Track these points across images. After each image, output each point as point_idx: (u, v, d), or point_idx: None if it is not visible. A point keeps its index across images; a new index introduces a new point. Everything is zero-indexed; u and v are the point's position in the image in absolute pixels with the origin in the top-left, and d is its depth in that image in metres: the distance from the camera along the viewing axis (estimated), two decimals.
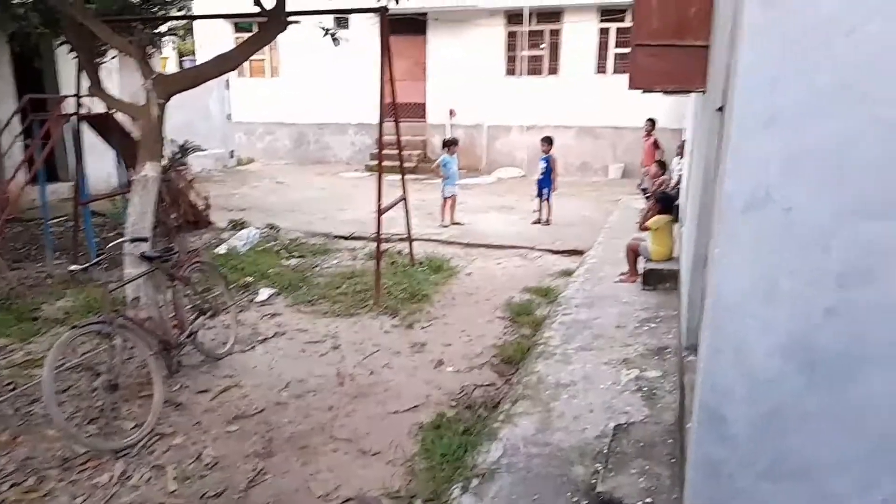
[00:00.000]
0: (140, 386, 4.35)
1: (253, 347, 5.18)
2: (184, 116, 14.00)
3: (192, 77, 5.19)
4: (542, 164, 10.20)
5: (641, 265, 6.57)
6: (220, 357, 4.89)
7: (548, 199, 10.17)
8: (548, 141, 10.38)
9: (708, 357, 1.91)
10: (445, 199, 10.08)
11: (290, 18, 5.45)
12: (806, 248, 1.75)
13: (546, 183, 10.09)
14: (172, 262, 4.67)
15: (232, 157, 16.64)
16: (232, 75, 16.34)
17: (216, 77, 5.30)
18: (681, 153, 9.92)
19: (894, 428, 1.76)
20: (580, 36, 15.22)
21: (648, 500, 2.63)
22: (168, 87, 4.82)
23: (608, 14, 14.85)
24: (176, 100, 5.00)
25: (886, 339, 1.73)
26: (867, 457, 1.79)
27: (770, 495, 1.90)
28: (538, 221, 10.24)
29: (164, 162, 7.21)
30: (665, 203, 6.86)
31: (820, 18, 1.64)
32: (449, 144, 10.36)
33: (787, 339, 1.81)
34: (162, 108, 4.77)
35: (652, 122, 11.66)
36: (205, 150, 12.35)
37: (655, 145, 11.44)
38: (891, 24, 1.59)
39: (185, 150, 9.34)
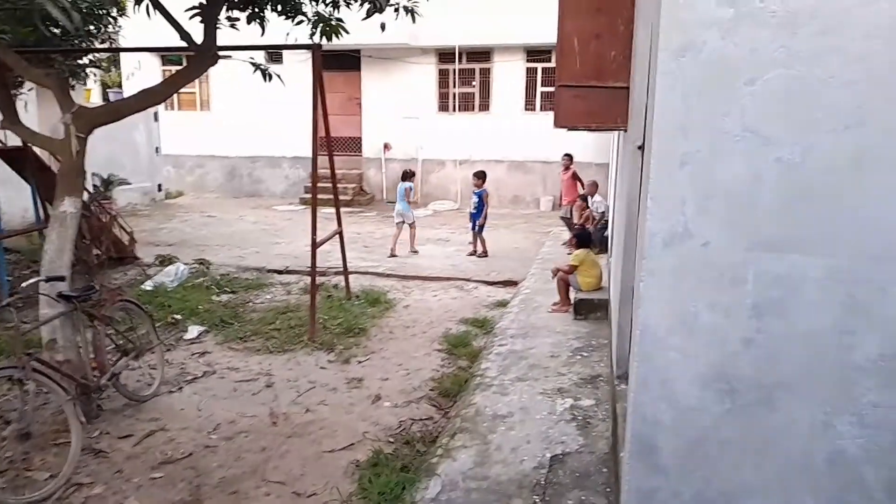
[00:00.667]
0: (55, 433, 4.09)
1: (180, 388, 4.97)
2: (109, 149, 13.49)
3: (115, 111, 5.03)
4: (475, 199, 10.46)
5: (573, 295, 6.75)
6: (145, 399, 4.66)
7: (479, 232, 10.39)
8: (480, 176, 10.66)
9: (637, 389, 1.97)
10: (411, 225, 10.48)
11: (221, 53, 5.39)
12: (722, 282, 1.86)
13: (478, 216, 10.34)
14: (93, 300, 4.45)
15: (160, 190, 16.08)
16: (161, 108, 15.91)
17: (141, 111, 5.15)
18: (593, 192, 10.47)
19: (810, 452, 1.86)
20: (509, 75, 15.73)
21: None
22: (89, 120, 4.65)
23: (534, 54, 15.41)
24: (101, 132, 4.83)
25: (798, 366, 1.84)
26: (785, 481, 1.89)
27: None
28: (473, 253, 10.40)
29: (86, 196, 6.92)
30: (581, 239, 7.21)
31: (726, 68, 1.77)
32: (410, 175, 11.00)
33: (707, 368, 1.90)
34: (83, 142, 4.60)
35: (569, 156, 11.75)
36: (130, 183, 11.92)
37: (575, 178, 11.62)
38: (788, 72, 1.73)
39: (109, 183, 9.00)
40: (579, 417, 4.17)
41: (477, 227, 10.35)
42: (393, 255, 10.02)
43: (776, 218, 1.79)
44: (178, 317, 6.54)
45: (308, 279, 6.55)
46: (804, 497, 1.88)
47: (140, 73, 15.49)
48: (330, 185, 7.25)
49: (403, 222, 10.38)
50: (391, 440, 4.16)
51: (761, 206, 1.79)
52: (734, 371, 1.88)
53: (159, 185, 16.03)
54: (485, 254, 10.24)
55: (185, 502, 3.47)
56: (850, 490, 1.85)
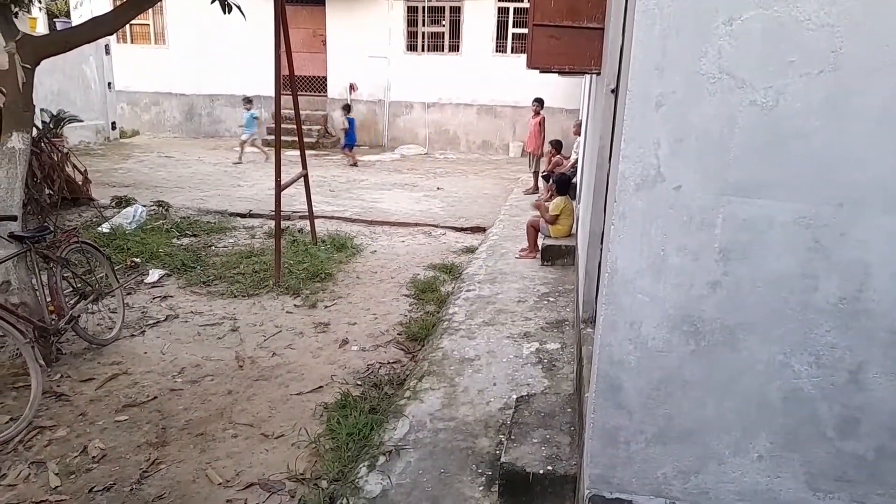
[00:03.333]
0: (14, 377, 4.01)
1: (143, 332, 4.89)
2: (57, 84, 12.85)
3: (63, 41, 4.72)
4: (347, 123, 13.78)
5: (541, 241, 6.79)
6: (106, 343, 4.58)
7: (349, 150, 13.82)
8: (347, 108, 14.13)
9: (605, 330, 2.00)
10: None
11: None
12: (692, 225, 1.86)
13: (351, 139, 13.82)
14: (47, 242, 4.29)
15: (114, 129, 15.44)
16: (112, 41, 15.11)
17: (89, 42, 4.85)
18: (577, 132, 10.24)
19: (768, 390, 1.93)
20: (480, 14, 15.33)
21: (549, 467, 2.74)
22: (35, 50, 4.37)
23: None
24: (48, 65, 4.55)
25: (761, 308, 1.88)
26: (744, 418, 1.96)
27: (660, 458, 2.04)
28: (354, 164, 13.55)
29: (35, 133, 6.59)
30: (561, 185, 7.12)
31: (704, 7, 1.73)
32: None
33: (674, 311, 1.92)
34: (30, 73, 4.33)
35: (540, 101, 11.42)
36: (82, 120, 11.38)
37: (542, 125, 11.35)
38: (766, 13, 1.70)
39: (59, 120, 8.56)
40: (545, 360, 4.26)
41: (348, 146, 13.83)
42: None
43: (747, 162, 1.79)
44: (138, 260, 6.39)
45: (272, 223, 6.44)
46: (760, 433, 1.96)
47: (88, 2, 14.62)
48: (294, 126, 7.04)
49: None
50: (359, 383, 4.20)
51: (733, 149, 1.79)
52: (700, 313, 1.91)
53: (113, 124, 15.39)
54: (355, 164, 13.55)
55: (151, 444, 3.46)
56: (803, 426, 1.93)
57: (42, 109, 9.01)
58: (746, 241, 1.84)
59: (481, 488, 2.92)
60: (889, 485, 1.93)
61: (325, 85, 16.54)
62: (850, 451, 1.93)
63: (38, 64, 4.40)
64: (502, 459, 2.82)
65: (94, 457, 3.32)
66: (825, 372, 1.88)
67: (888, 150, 1.71)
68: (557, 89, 13.74)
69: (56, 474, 3.17)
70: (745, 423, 1.96)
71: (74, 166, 8.04)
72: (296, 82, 6.75)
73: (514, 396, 3.58)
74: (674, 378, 1.97)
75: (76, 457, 3.33)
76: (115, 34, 9.98)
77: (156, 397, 3.95)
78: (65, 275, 4.43)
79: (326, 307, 5.55)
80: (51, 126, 8.07)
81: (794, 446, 1.95)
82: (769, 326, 1.89)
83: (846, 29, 1.67)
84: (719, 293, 1.89)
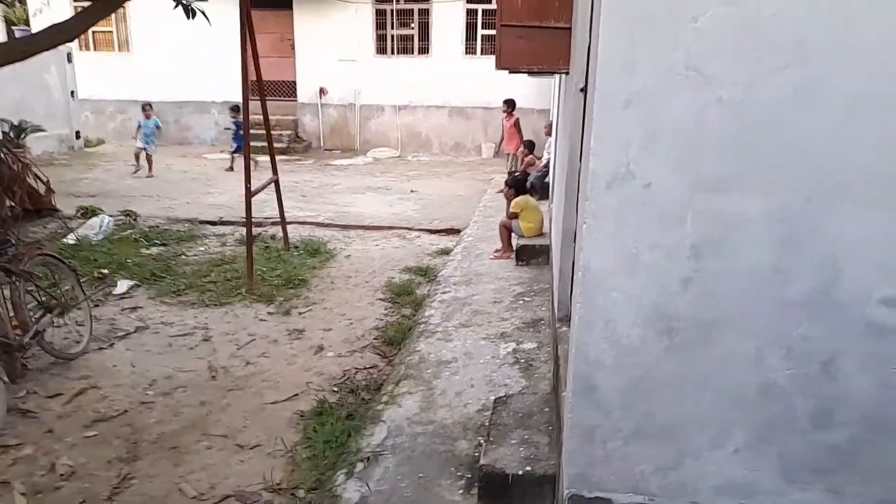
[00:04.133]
0: None
1: (112, 345, 4.77)
2: (18, 93, 12.50)
3: (22, 48, 4.61)
4: (234, 127, 12.76)
5: (515, 241, 6.81)
6: (73, 357, 4.45)
7: (238, 153, 12.37)
8: (235, 109, 12.44)
9: (580, 329, 1.99)
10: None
11: None
12: (663, 222, 1.87)
13: (238, 141, 12.26)
14: (9, 255, 4.17)
15: (78, 137, 15.08)
16: (74, 48, 14.78)
17: (50, 48, 4.73)
18: (549, 133, 10.29)
19: (743, 384, 1.94)
20: (449, 16, 15.34)
21: (528, 468, 2.73)
22: None
23: None
24: (7, 74, 4.44)
25: (734, 303, 1.89)
26: (720, 412, 1.97)
27: (638, 455, 2.04)
28: (231, 168, 12.76)
29: None
30: (517, 186, 7.21)
31: (669, 4, 1.73)
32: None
33: (648, 308, 1.92)
34: None
35: (510, 102, 11.34)
36: (45, 130, 11.11)
37: (517, 126, 11.34)
38: (732, 9, 1.70)
39: (20, 130, 8.35)
40: (522, 360, 4.26)
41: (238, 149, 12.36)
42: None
43: (717, 158, 1.80)
44: (106, 271, 6.23)
45: (244, 230, 6.33)
46: (737, 428, 1.97)
47: (49, 10, 14.29)
48: (263, 131, 6.95)
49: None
50: (335, 390, 4.14)
51: (703, 146, 1.79)
52: (674, 310, 1.91)
53: (77, 133, 15.03)
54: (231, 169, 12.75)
55: (122, 459, 3.36)
56: (779, 419, 1.94)
57: (2, 119, 8.79)
58: (718, 236, 1.85)
59: (461, 491, 2.90)
60: (863, 473, 1.95)
61: (295, 89, 16.38)
62: (824, 441, 1.94)
63: None
64: (481, 462, 2.80)
65: (62, 474, 3.22)
66: (798, 364, 1.90)
67: (856, 141, 1.73)
68: (529, 90, 13.79)
69: (22, 494, 3.06)
70: (722, 417, 1.97)
71: (37, 176, 7.82)
72: (264, 87, 6.67)
73: (492, 398, 3.56)
74: (649, 375, 1.97)
75: (44, 475, 3.23)
76: (76, 41, 9.77)
77: (126, 411, 3.85)
78: (28, 288, 4.30)
79: (301, 314, 5.48)
80: (11, 136, 7.85)
81: (771, 439, 1.97)
82: (743, 321, 1.90)
83: (813, 20, 1.68)
84: (692, 289, 1.90)
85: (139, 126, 12.48)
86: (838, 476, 1.97)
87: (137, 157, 12.41)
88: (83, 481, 3.18)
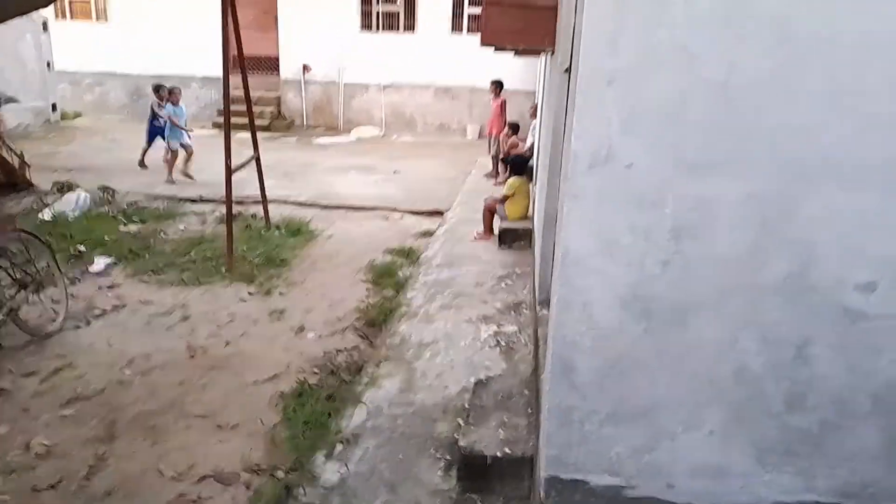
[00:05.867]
0: None
1: (88, 323, 4.71)
2: None
3: None
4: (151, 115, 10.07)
5: (497, 224, 6.79)
6: (49, 335, 4.39)
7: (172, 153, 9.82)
8: (167, 91, 9.93)
9: (558, 311, 1.99)
10: (173, 151, 9.69)
11: None
12: (643, 204, 1.86)
13: (156, 132, 9.98)
14: None
15: (55, 110, 14.73)
16: (50, 17, 14.38)
17: (23, 13, 4.59)
18: (534, 115, 10.23)
19: (717, 367, 1.96)
20: None
21: (507, 449, 2.75)
22: None
23: None
24: None
25: (710, 286, 1.90)
26: (694, 395, 1.99)
27: (613, 437, 2.06)
28: (142, 164, 10.23)
29: None
30: (516, 166, 7.11)
31: None
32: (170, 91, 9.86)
33: (626, 290, 1.93)
34: None
35: (498, 83, 11.14)
36: (19, 101, 10.83)
37: (503, 108, 11.22)
38: None
39: None
40: (502, 343, 4.27)
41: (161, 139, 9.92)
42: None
43: (698, 139, 1.79)
44: (83, 248, 6.13)
45: (223, 208, 6.25)
46: (711, 410, 1.99)
47: None
48: (245, 108, 6.83)
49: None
50: (316, 371, 4.13)
51: (685, 126, 1.78)
52: (651, 292, 1.92)
53: (54, 105, 14.68)
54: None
55: (99, 438, 3.34)
56: (752, 402, 1.97)
57: None
58: (697, 219, 1.85)
59: (440, 473, 2.91)
60: (832, 457, 1.99)
61: (278, 65, 16.11)
62: (796, 425, 1.97)
63: None
64: (460, 443, 2.82)
65: (37, 454, 3.19)
66: (772, 348, 1.92)
67: (836, 125, 1.73)
68: (515, 71, 13.70)
69: None
70: (696, 400, 1.99)
71: (10, 149, 7.64)
72: (246, 62, 6.55)
73: (473, 380, 3.57)
74: (626, 357, 1.98)
75: (18, 454, 3.19)
76: (52, 8, 9.46)
77: (103, 390, 3.81)
78: (2, 265, 4.22)
79: (282, 294, 5.44)
80: None
81: (744, 422, 1.99)
82: (718, 304, 1.91)
83: (797, 3, 1.67)
84: (670, 272, 1.90)
85: (154, 118, 9.90)
86: (808, 460, 2.00)
87: (171, 162, 9.62)
88: (59, 461, 3.15)
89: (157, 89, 10.12)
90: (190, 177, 9.57)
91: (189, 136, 9.85)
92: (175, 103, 9.77)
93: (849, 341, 1.87)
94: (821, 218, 1.80)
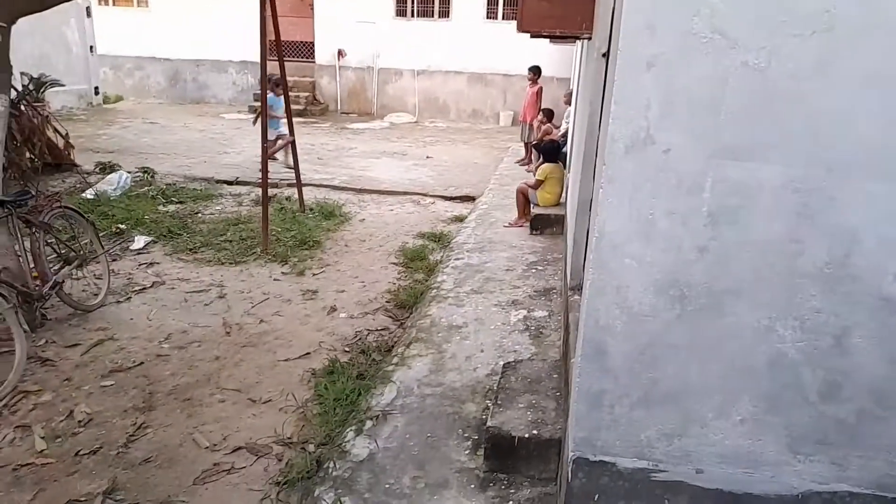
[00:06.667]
0: None
1: (129, 298, 4.85)
2: (37, 48, 12.52)
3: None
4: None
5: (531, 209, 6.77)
6: (91, 309, 4.54)
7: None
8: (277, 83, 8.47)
9: (592, 295, 1.99)
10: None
11: None
12: (681, 189, 1.85)
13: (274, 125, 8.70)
14: (29, 207, 4.22)
15: (97, 94, 15.11)
16: (93, 2, 14.71)
17: (66, 0, 4.70)
18: (568, 102, 10.12)
19: (752, 355, 1.94)
20: None
21: (535, 431, 2.76)
22: (11, 7, 4.23)
23: None
24: (27, 26, 4.42)
25: (747, 273, 1.88)
26: (727, 382, 1.97)
27: (643, 421, 2.05)
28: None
29: (14, 95, 6.44)
30: (548, 153, 7.06)
31: None
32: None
33: (662, 275, 1.92)
34: (6, 32, 4.20)
35: (537, 70, 10.94)
36: (64, 84, 11.11)
37: (538, 95, 11.07)
38: None
39: (40, 83, 8.36)
40: (532, 328, 4.28)
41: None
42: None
43: (738, 124, 1.77)
44: (123, 227, 6.31)
45: (259, 190, 6.36)
46: (743, 397, 1.98)
47: None
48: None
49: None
50: (347, 350, 4.20)
51: (724, 112, 1.76)
52: (687, 278, 1.91)
53: (96, 89, 15.06)
54: None
55: (138, 408, 3.45)
56: (787, 391, 1.94)
57: (22, 73, 8.80)
58: (735, 205, 1.83)
59: (467, 452, 2.95)
60: (867, 447, 1.96)
61: (313, 51, 16.23)
62: (831, 414, 1.95)
63: (14, 23, 4.27)
64: (488, 424, 2.84)
65: (80, 421, 3.32)
66: (810, 336, 1.89)
67: (878, 113, 1.69)
68: (550, 58, 13.56)
69: (42, 438, 3.16)
70: (729, 387, 1.98)
71: (56, 130, 7.87)
72: (282, 48, 6.62)
73: (501, 363, 3.59)
74: (659, 342, 1.98)
75: (62, 421, 3.32)
76: None
77: (142, 363, 3.93)
78: (48, 240, 4.37)
79: (314, 275, 5.52)
80: (31, 89, 7.87)
81: (777, 410, 1.97)
82: (755, 291, 1.89)
83: None
84: (707, 258, 1.88)
85: (259, 111, 8.86)
86: (843, 449, 1.97)
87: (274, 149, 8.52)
88: (100, 428, 3.28)
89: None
90: (291, 168, 8.23)
91: (284, 127, 8.47)
92: (278, 95, 8.77)
93: (889, 332, 1.84)
94: (861, 205, 1.76)
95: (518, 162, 10.68)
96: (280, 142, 8.59)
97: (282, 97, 8.48)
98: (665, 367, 2.00)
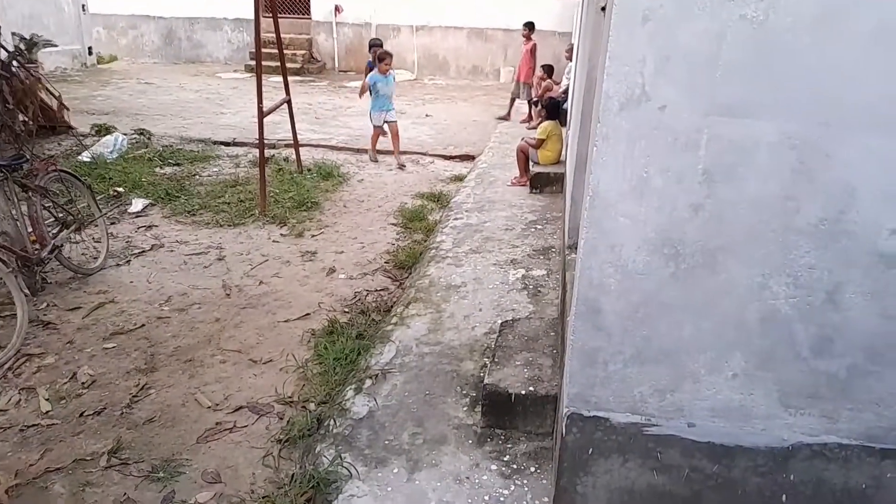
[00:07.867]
0: (0, 306, 4.00)
1: (128, 261, 4.87)
2: (28, 7, 12.29)
3: None
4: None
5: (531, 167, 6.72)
6: (91, 272, 4.57)
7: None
8: (377, 52, 8.17)
9: (586, 253, 1.99)
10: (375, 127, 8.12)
11: None
12: (676, 147, 1.82)
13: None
14: (24, 170, 4.20)
15: (91, 54, 14.87)
16: None
17: None
18: (570, 57, 9.94)
19: (745, 311, 1.94)
20: None
21: (531, 388, 2.80)
22: None
23: None
24: None
25: (742, 230, 1.86)
26: (720, 338, 1.98)
27: (637, 377, 2.07)
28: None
29: (4, 55, 6.35)
30: (551, 109, 6.96)
31: None
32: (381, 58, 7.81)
33: (656, 234, 1.91)
34: None
35: (530, 25, 10.75)
36: (57, 45, 10.93)
37: (533, 53, 10.87)
38: None
39: (32, 44, 8.22)
40: (530, 287, 4.29)
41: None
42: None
43: (735, 80, 1.73)
44: (121, 189, 6.29)
45: (256, 151, 6.31)
46: (736, 352, 1.99)
47: None
48: (276, 51, 6.79)
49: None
50: (346, 310, 4.23)
51: (721, 67, 1.72)
52: (681, 236, 1.90)
53: (90, 49, 14.81)
54: None
55: (140, 370, 3.50)
56: (779, 346, 1.95)
57: (13, 33, 8.64)
58: (731, 162, 1.81)
59: (465, 409, 3.00)
60: (858, 401, 1.98)
61: (309, 6, 15.87)
62: (823, 369, 1.96)
63: None
64: (486, 381, 2.88)
65: (83, 383, 3.37)
66: (803, 293, 1.89)
67: (880, 68, 1.65)
68: (550, 10, 13.26)
69: (47, 399, 3.22)
70: (722, 343, 1.99)
71: (49, 91, 7.77)
72: (277, 3, 6.46)
73: (499, 321, 3.62)
74: (652, 300, 1.98)
75: (66, 383, 3.37)
76: None
77: (143, 325, 3.97)
78: (45, 204, 4.36)
79: (313, 236, 5.52)
80: (22, 49, 7.74)
81: (769, 365, 1.99)
82: (749, 249, 1.88)
83: None
84: (701, 216, 1.87)
85: (367, 88, 8.02)
86: (833, 403, 1.99)
87: (375, 141, 8.17)
88: (103, 389, 3.33)
89: (370, 46, 8.29)
90: (402, 166, 7.83)
91: (394, 111, 7.98)
92: (383, 72, 7.75)
93: (883, 287, 1.84)
94: (858, 162, 1.73)
95: (497, 118, 10.60)
96: (384, 127, 7.75)
97: (391, 75, 7.76)
98: (659, 325, 2.01)
